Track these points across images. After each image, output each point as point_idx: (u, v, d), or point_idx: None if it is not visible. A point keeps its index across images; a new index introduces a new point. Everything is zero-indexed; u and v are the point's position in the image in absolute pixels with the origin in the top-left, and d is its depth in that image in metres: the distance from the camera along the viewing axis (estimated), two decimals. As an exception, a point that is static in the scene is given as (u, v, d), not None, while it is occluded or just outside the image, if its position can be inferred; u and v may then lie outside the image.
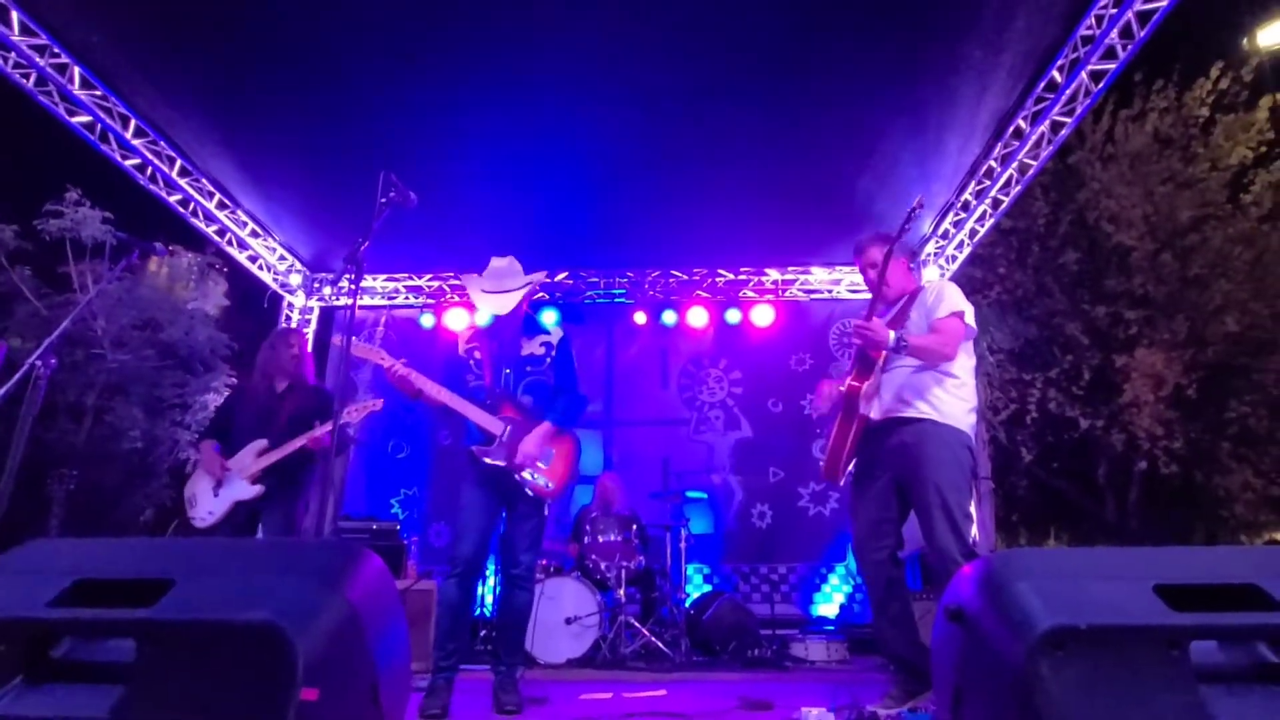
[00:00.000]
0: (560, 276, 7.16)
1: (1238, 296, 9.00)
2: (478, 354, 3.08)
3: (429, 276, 7.28)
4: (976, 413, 2.74)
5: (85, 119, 4.88)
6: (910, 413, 2.65)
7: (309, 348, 3.87)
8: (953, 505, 2.49)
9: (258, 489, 3.37)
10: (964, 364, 2.73)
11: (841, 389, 2.74)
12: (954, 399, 2.66)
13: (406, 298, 7.39)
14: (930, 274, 6.76)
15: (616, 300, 7.31)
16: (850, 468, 2.81)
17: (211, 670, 1.09)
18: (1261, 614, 1.21)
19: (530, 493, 2.91)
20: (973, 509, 2.57)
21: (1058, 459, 10.88)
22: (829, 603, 6.42)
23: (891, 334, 2.61)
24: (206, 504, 3.38)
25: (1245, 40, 7.28)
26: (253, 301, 7.26)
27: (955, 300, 2.73)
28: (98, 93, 4.78)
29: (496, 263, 3.17)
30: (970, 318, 2.74)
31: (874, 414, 2.75)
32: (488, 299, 3.08)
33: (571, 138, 5.13)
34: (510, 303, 3.05)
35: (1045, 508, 12.25)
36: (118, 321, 10.33)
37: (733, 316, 7.09)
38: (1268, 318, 9.01)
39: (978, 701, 1.33)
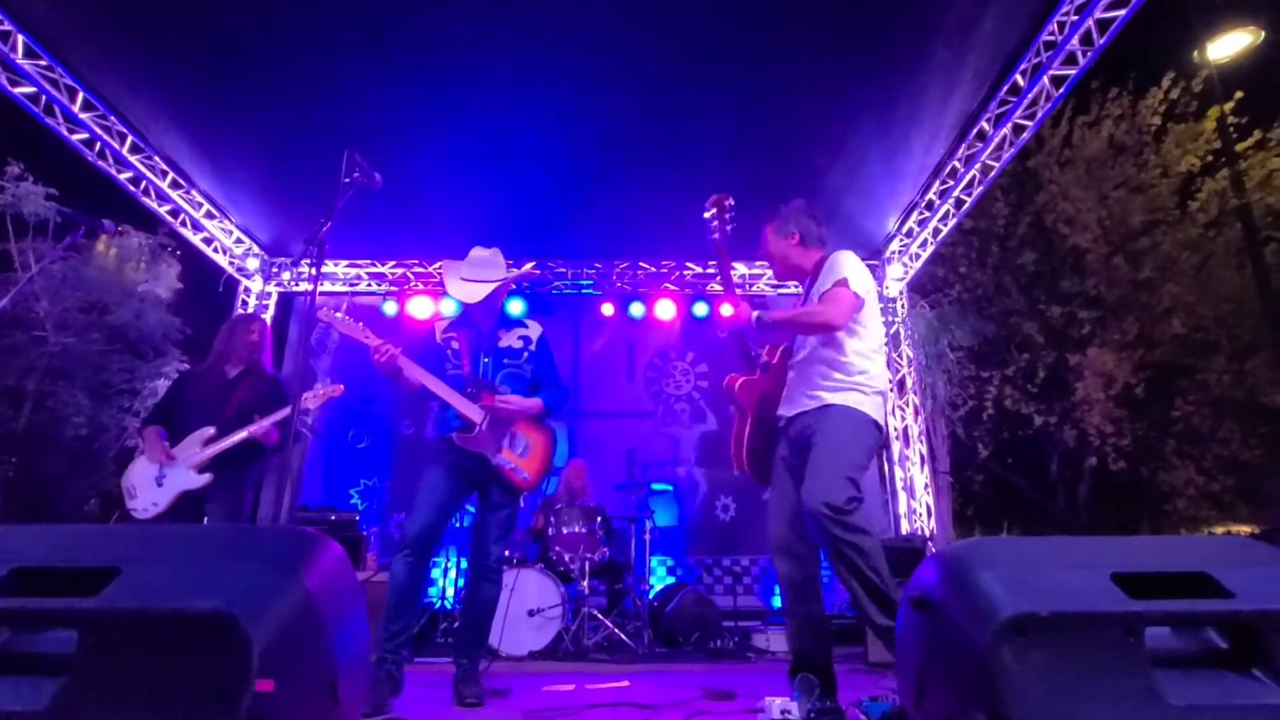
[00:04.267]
0: (527, 266, 7.06)
1: (1184, 299, 9.35)
2: (455, 344, 3.05)
3: (392, 263, 7.14)
4: (884, 393, 2.54)
5: (29, 90, 4.65)
6: (811, 406, 2.48)
7: (270, 336, 3.74)
8: (822, 457, 2.31)
9: (205, 478, 3.25)
10: (859, 345, 2.50)
11: (728, 382, 2.71)
12: (853, 388, 2.44)
13: (369, 285, 7.24)
14: (894, 271, 6.86)
15: (584, 291, 7.26)
16: (747, 463, 2.68)
17: (159, 662, 1.05)
18: (1211, 601, 1.25)
19: (505, 479, 2.89)
20: (861, 472, 2.36)
21: (1012, 454, 11.20)
22: (790, 594, 6.50)
23: (754, 314, 2.50)
24: (149, 495, 3.24)
25: (1195, 53, 7.53)
26: (208, 285, 7.02)
27: (840, 268, 2.50)
28: (43, 63, 4.56)
29: (479, 253, 3.14)
30: (859, 284, 2.48)
31: (783, 409, 2.60)
32: (461, 286, 3.04)
33: (540, 125, 5.06)
34: (482, 293, 3.02)
35: (999, 501, 12.59)
36: (62, 303, 9.90)
37: (700, 309, 7.11)
38: (1212, 320, 9.37)
39: (941, 688, 1.34)
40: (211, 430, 3.30)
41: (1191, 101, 9.38)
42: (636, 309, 7.10)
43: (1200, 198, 9.53)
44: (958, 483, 10.48)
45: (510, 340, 3.11)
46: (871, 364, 2.51)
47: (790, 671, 2.47)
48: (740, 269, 7.19)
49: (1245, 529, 11.62)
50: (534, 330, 3.19)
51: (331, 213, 2.56)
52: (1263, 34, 6.86)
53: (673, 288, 7.21)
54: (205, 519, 3.36)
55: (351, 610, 1.36)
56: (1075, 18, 4.21)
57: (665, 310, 7.09)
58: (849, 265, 2.53)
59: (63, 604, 1.11)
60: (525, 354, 3.11)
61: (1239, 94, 8.59)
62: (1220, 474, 9.82)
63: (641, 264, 7.14)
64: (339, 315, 2.94)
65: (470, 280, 3.06)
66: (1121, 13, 4.03)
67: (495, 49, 4.36)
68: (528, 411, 2.96)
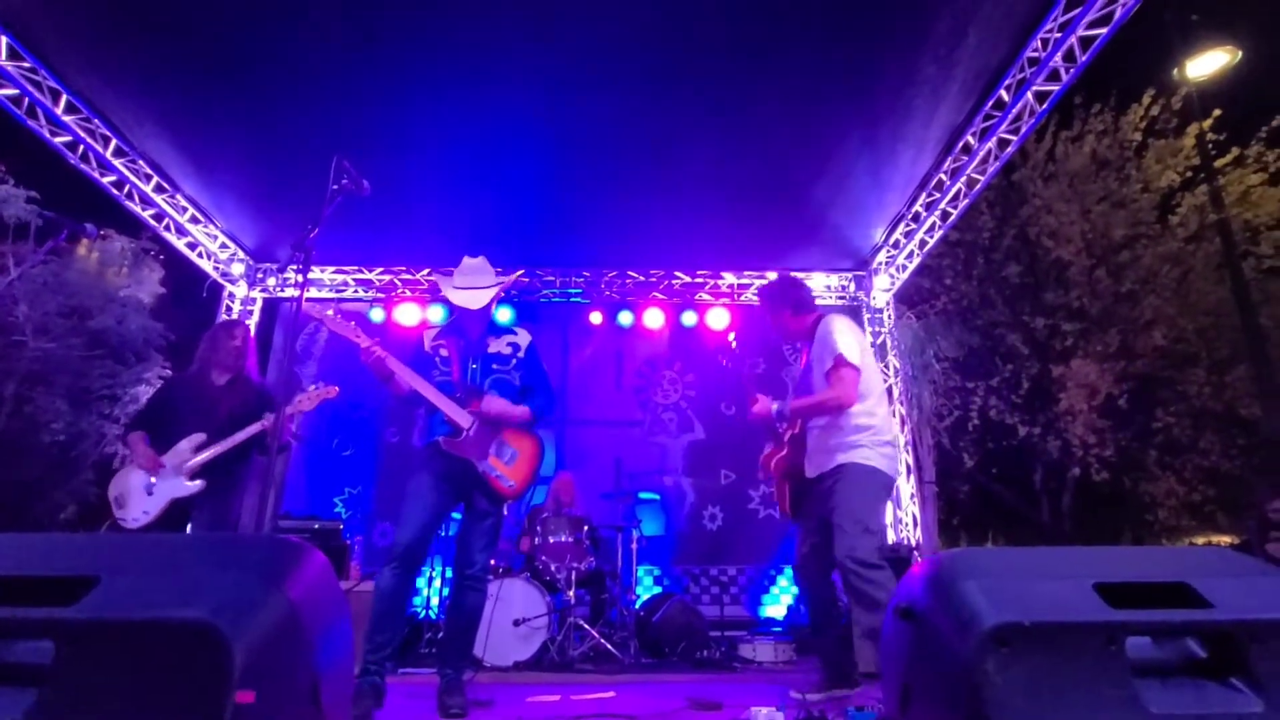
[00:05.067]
0: (516, 274, 7.07)
1: (1165, 312, 9.47)
2: (444, 350, 3.05)
3: (380, 270, 7.11)
4: (891, 441, 2.92)
5: (11, 92, 4.60)
6: (830, 466, 2.90)
7: (253, 342, 3.72)
8: (845, 519, 2.76)
9: (197, 485, 3.22)
10: (860, 405, 2.86)
11: (763, 460, 3.34)
12: (862, 445, 2.85)
13: (356, 291, 7.20)
14: (881, 283, 6.92)
15: (572, 300, 7.26)
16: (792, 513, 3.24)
17: (139, 673, 1.03)
18: (1190, 611, 1.27)
19: (490, 487, 2.87)
20: (878, 520, 2.84)
21: (997, 464, 11.26)
22: (777, 604, 6.50)
23: (774, 406, 3.02)
24: (140, 503, 3.20)
25: (1175, 71, 7.68)
26: (192, 290, 6.95)
27: (834, 343, 2.86)
28: (26, 65, 4.52)
29: (469, 262, 3.18)
30: (853, 354, 2.84)
31: (808, 472, 3.03)
32: (460, 294, 3.07)
33: (530, 132, 5.07)
34: (484, 299, 3.05)
35: (984, 511, 12.66)
36: (42, 307, 9.76)
37: (689, 319, 7.13)
38: (1192, 332, 9.50)
39: (926, 697, 1.35)
40: (203, 436, 3.27)
41: (1171, 118, 9.54)
42: (625, 318, 7.12)
43: (1180, 212, 9.68)
44: (943, 493, 10.53)
45: (499, 347, 3.11)
46: (874, 418, 2.88)
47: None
48: (729, 278, 7.22)
49: (1225, 539, 11.76)
50: (523, 338, 3.20)
51: (319, 220, 2.55)
52: (1239, 54, 7.01)
53: (661, 297, 7.22)
54: (190, 526, 3.32)
55: (335, 620, 1.35)
56: (1059, 35, 4.28)
57: (653, 319, 7.10)
58: (841, 339, 2.86)
59: (40, 613, 1.09)
60: (514, 360, 3.11)
61: (1217, 112, 8.74)
62: (1201, 485, 9.93)
63: (630, 273, 7.15)
64: (330, 313, 2.95)
65: (467, 288, 3.08)
66: (1103, 31, 4.10)
67: (486, 56, 4.37)
68: (516, 418, 2.96)
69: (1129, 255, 9.67)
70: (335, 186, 2.68)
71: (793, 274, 3.28)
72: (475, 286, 3.08)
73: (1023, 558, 1.40)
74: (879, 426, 2.88)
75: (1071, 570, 1.32)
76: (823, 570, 2.99)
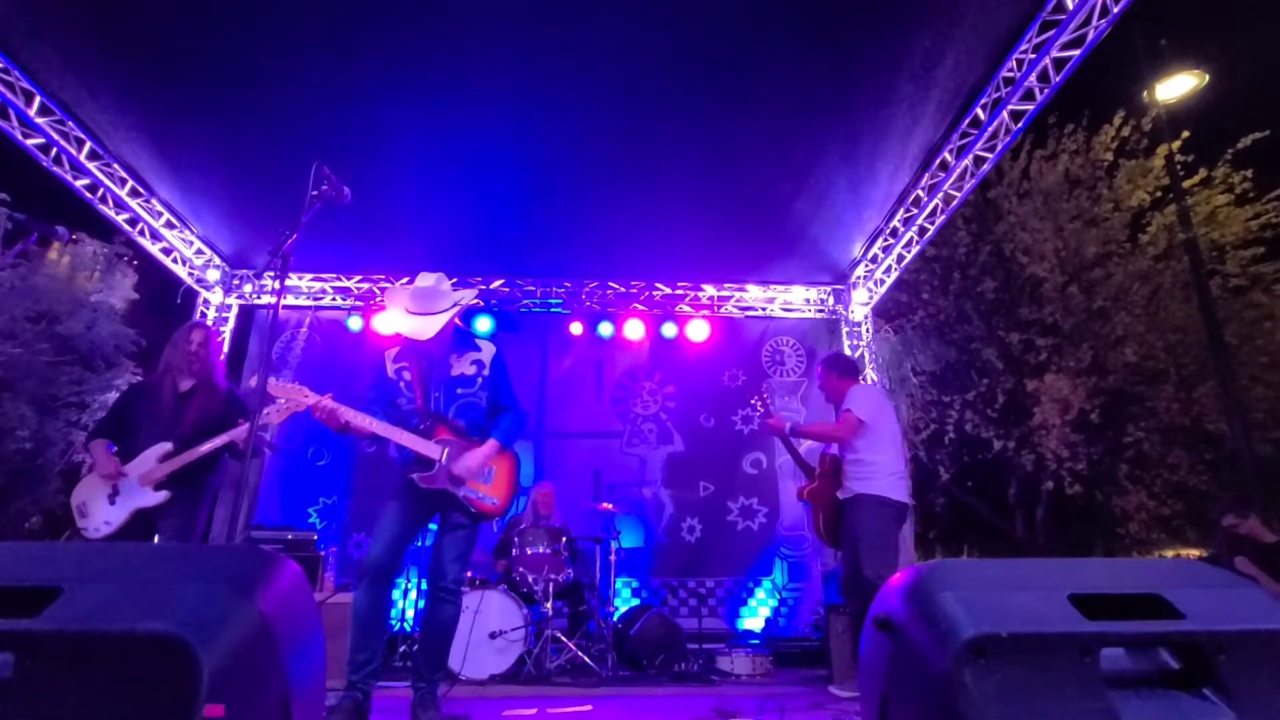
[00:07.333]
0: (496, 284, 7.06)
1: (1136, 328, 9.65)
2: (407, 374, 2.95)
3: (358, 278, 7.04)
4: (897, 473, 3.65)
5: (-18, 91, 4.51)
6: (850, 494, 3.70)
7: (223, 346, 3.61)
8: (863, 537, 3.52)
9: (162, 495, 3.13)
10: (867, 448, 3.68)
11: (803, 495, 4.13)
12: (868, 476, 3.63)
13: (334, 299, 7.13)
14: (860, 296, 6.99)
15: (553, 310, 7.25)
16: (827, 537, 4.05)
17: (103, 687, 1.00)
18: (1163, 622, 1.29)
19: (475, 510, 2.84)
20: (897, 538, 3.60)
21: (972, 478, 11.37)
22: (755, 617, 6.49)
23: (787, 424, 3.99)
24: (101, 513, 3.10)
25: (1145, 93, 7.89)
26: (167, 296, 6.82)
27: (850, 399, 3.77)
28: (-2, 64, 4.44)
29: (424, 280, 2.96)
30: (863, 410, 3.69)
31: (840, 495, 3.82)
32: (410, 321, 2.88)
33: (511, 141, 5.07)
34: (434, 327, 2.86)
35: (960, 524, 12.77)
36: (8, 311, 9.53)
37: (669, 330, 7.15)
38: (1161, 349, 9.69)
39: (904, 708, 1.35)
40: (169, 446, 3.18)
41: (1142, 139, 9.76)
42: (605, 328, 7.11)
43: (1150, 231, 9.89)
44: (920, 505, 10.61)
45: (463, 367, 2.99)
46: (882, 454, 3.64)
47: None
48: (709, 290, 7.26)
49: (1194, 552, 11.97)
50: (487, 353, 3.05)
51: (297, 226, 2.52)
52: (1207, 78, 7.22)
53: (641, 308, 7.23)
54: (156, 537, 3.23)
55: (307, 632, 1.32)
56: (1033, 56, 4.38)
57: (634, 330, 7.11)
58: (856, 400, 3.74)
59: (-1, 625, 1.06)
60: (479, 380, 2.99)
61: (1185, 134, 8.99)
62: (1170, 499, 10.10)
63: (611, 284, 7.16)
64: (272, 380, 2.74)
65: (418, 313, 2.89)
66: (1076, 53, 4.20)
67: (469, 66, 4.37)
68: (488, 459, 2.87)
69: (1101, 272, 9.85)
70: (315, 193, 2.65)
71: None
72: (427, 313, 2.88)
73: (999, 570, 1.41)
74: (884, 462, 3.63)
75: (1046, 582, 1.33)
76: (856, 565, 3.56)
